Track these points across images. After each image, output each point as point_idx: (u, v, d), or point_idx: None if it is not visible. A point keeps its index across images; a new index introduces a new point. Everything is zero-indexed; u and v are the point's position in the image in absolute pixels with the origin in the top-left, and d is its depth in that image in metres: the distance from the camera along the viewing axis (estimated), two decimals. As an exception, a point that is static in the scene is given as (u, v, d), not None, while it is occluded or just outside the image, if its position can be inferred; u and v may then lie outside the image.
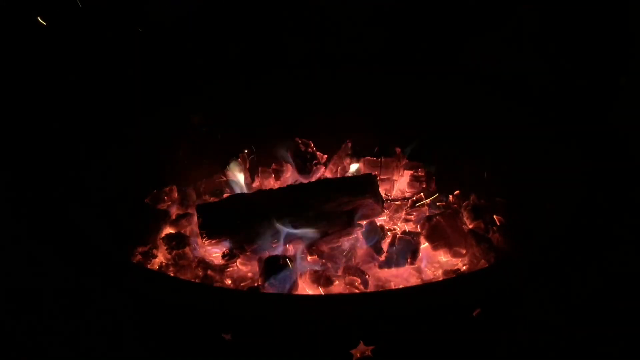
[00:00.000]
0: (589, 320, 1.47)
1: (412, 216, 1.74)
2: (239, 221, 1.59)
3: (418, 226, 1.70)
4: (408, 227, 1.72)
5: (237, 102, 1.96)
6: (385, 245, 1.61)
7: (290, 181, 1.89)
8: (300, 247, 1.60)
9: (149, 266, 1.59)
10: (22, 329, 1.50)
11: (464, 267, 1.59)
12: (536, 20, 1.93)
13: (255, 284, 1.51)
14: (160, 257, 1.63)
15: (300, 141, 1.91)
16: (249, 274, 1.60)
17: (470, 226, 1.70)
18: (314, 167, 1.88)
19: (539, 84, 1.86)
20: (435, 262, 1.63)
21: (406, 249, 1.57)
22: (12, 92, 1.80)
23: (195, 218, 1.66)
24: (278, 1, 2.05)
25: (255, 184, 1.95)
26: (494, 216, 1.70)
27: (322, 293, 1.48)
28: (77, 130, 1.70)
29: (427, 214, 1.72)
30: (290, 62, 2.05)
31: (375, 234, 1.62)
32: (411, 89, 1.93)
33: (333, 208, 1.60)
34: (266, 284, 1.46)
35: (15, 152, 1.65)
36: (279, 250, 1.60)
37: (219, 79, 1.96)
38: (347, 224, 1.61)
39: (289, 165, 1.93)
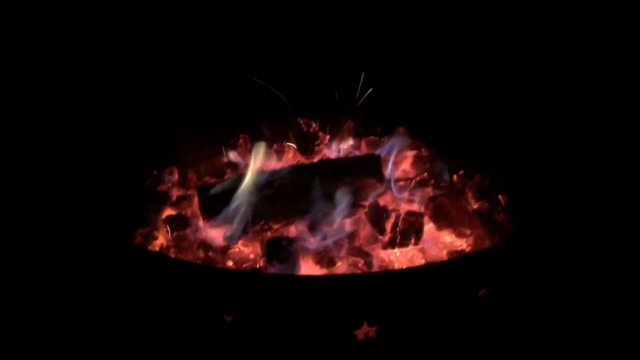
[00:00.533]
0: (588, 320, 1.46)
1: (416, 196, 1.71)
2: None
3: (422, 207, 1.67)
4: (412, 208, 1.68)
5: (236, 95, 1.94)
6: (388, 226, 1.59)
7: (292, 162, 1.87)
8: (303, 228, 1.59)
9: (149, 248, 1.58)
10: (22, 329, 1.49)
11: (469, 248, 1.57)
12: (536, 20, 1.93)
13: (257, 265, 1.50)
14: (161, 239, 1.62)
15: (302, 121, 1.89)
16: (251, 256, 1.58)
17: (475, 206, 1.68)
18: (316, 148, 1.87)
19: (539, 83, 1.86)
20: (440, 243, 1.61)
21: (410, 230, 1.55)
22: (11, 91, 1.80)
23: (196, 199, 1.65)
24: (278, 1, 2.05)
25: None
26: (499, 196, 1.69)
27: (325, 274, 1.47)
28: (76, 125, 1.70)
29: (431, 194, 1.69)
30: (290, 62, 2.04)
31: (379, 214, 1.60)
32: (411, 89, 1.92)
33: (336, 188, 1.58)
34: (268, 266, 1.45)
35: (15, 152, 1.64)
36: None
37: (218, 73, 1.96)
38: (350, 205, 1.59)
39: (290, 146, 1.92)
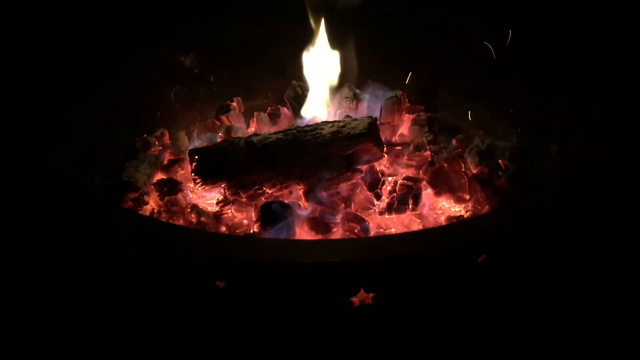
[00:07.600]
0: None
1: (414, 161, 1.68)
2: (234, 166, 1.53)
3: (420, 172, 1.64)
4: (410, 173, 1.66)
5: (229, 42, 1.90)
6: (385, 192, 1.57)
7: (286, 125, 1.83)
8: (298, 192, 1.56)
9: (140, 213, 1.55)
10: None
11: (468, 214, 1.55)
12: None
13: (251, 231, 1.48)
14: (152, 204, 1.60)
15: (296, 84, 1.85)
16: (245, 221, 1.56)
17: (475, 171, 1.65)
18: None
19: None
20: (438, 209, 1.59)
21: (407, 195, 1.53)
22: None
23: (188, 163, 1.62)
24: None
25: (251, 129, 1.90)
26: (500, 161, 1.65)
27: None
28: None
29: (430, 159, 1.66)
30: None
31: (376, 179, 1.57)
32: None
33: (332, 152, 1.54)
34: (262, 231, 1.42)
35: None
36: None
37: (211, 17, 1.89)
38: (346, 169, 1.56)
39: (284, 108, 1.87)
